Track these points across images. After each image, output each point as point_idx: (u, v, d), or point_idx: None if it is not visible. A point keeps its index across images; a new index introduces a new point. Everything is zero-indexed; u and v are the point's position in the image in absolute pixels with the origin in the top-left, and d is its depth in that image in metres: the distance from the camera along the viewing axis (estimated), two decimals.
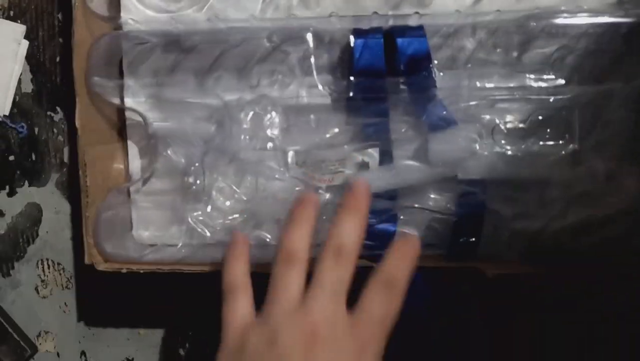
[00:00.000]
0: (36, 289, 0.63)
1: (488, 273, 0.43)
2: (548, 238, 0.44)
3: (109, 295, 0.61)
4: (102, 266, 0.47)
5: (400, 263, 0.36)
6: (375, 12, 0.44)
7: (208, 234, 0.47)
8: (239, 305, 0.35)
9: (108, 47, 0.46)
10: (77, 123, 0.46)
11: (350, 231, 0.36)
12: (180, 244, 0.47)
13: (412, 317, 0.40)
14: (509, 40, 0.46)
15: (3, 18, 0.59)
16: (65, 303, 0.63)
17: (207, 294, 0.51)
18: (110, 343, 0.63)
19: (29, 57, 0.60)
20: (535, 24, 0.44)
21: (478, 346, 0.52)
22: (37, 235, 0.62)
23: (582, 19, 0.44)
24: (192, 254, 0.47)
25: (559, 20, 0.43)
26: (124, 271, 0.46)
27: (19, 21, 0.59)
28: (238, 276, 0.37)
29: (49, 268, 0.63)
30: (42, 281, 0.63)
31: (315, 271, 0.35)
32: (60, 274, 0.63)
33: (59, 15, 0.59)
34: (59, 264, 0.63)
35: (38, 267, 0.63)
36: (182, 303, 0.59)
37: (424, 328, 0.49)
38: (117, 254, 0.47)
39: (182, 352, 0.61)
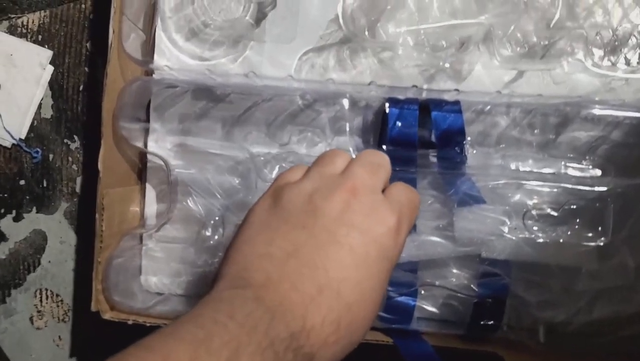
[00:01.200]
0: (31, 319, 0.61)
1: (505, 358, 0.42)
2: (572, 330, 0.43)
3: (106, 334, 0.59)
4: (108, 315, 0.45)
5: None
6: (415, 86, 0.44)
7: None
8: (295, 171, 0.35)
9: (138, 92, 0.45)
10: (100, 166, 0.45)
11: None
12: (190, 296, 0.46)
13: None
14: (544, 121, 0.45)
15: (31, 41, 0.59)
16: (59, 337, 0.61)
17: None
18: None
19: (52, 83, 0.59)
20: (570, 109, 0.44)
21: None
22: (39, 263, 0.61)
23: (618, 111, 0.43)
24: None
25: (595, 111, 0.43)
26: (130, 323, 0.45)
27: (46, 46, 0.59)
28: (302, 165, 0.36)
29: (47, 298, 0.61)
30: (39, 311, 0.61)
31: (356, 156, 0.35)
32: (58, 306, 0.61)
33: (88, 45, 0.59)
34: (57, 295, 0.61)
35: (36, 296, 0.61)
36: None
37: None
38: (124, 303, 0.46)
39: None
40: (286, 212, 0.31)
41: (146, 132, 0.48)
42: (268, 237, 0.31)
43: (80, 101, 0.59)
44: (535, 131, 0.45)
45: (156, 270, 0.48)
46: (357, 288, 0.29)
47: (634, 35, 0.45)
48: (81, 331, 0.61)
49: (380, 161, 0.35)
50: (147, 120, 0.48)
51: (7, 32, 0.59)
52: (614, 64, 0.45)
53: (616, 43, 0.46)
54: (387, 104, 0.44)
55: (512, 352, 0.43)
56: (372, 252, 0.30)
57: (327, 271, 0.29)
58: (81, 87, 0.59)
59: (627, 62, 0.46)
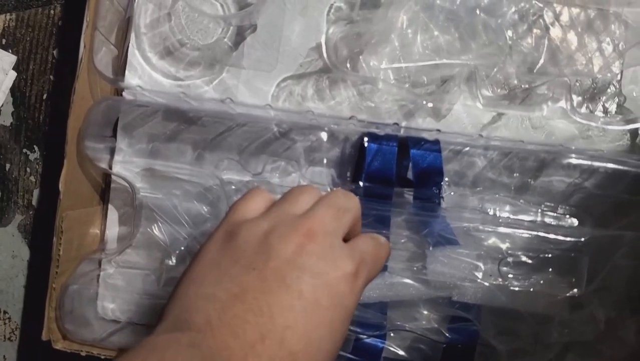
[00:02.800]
0: None
1: None
2: None
3: (54, 356, 0.56)
4: (59, 345, 0.43)
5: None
6: (396, 124, 0.43)
7: None
8: (253, 201, 0.33)
9: (106, 111, 0.44)
10: (61, 187, 0.43)
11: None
12: (149, 325, 0.44)
13: None
14: (522, 165, 0.45)
15: None
16: (4, 357, 0.58)
17: None
18: None
19: (14, 89, 0.56)
20: (546, 155, 0.44)
21: None
22: None
23: (596, 161, 0.43)
24: None
25: (572, 160, 0.43)
26: (83, 354, 0.42)
27: (10, 51, 0.56)
28: (261, 191, 0.34)
29: None
30: None
31: (323, 197, 0.34)
32: (5, 324, 0.58)
33: (55, 52, 0.56)
34: (5, 313, 0.58)
35: None
36: None
37: None
38: (77, 332, 0.43)
39: None
40: (239, 251, 0.30)
41: (112, 151, 0.46)
42: (216, 277, 0.29)
43: (43, 110, 0.57)
44: (514, 175, 0.44)
45: (114, 297, 0.46)
46: (304, 337, 0.28)
47: (613, 85, 0.46)
48: (28, 352, 0.58)
49: (348, 204, 0.33)
50: (114, 138, 0.46)
51: None
52: (592, 112, 0.45)
53: (595, 91, 0.46)
54: (365, 139, 0.43)
55: None
56: (323, 298, 0.29)
57: (273, 318, 0.27)
58: (45, 96, 0.57)
59: (605, 111, 0.46)
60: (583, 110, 0.46)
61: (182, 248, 0.43)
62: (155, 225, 0.44)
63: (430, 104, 0.44)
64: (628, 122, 0.44)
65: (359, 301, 0.31)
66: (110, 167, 0.45)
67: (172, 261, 0.43)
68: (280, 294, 0.28)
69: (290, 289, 0.28)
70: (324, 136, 0.43)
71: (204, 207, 0.44)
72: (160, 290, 0.44)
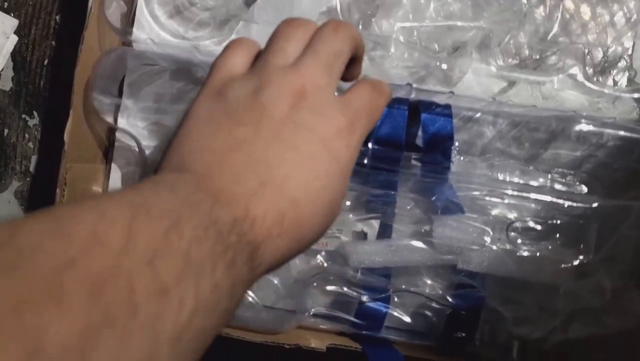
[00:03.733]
0: None
1: None
2: (546, 349, 0.42)
3: None
4: None
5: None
6: (409, 84, 0.42)
7: None
8: (235, 55, 0.32)
9: (115, 63, 0.43)
10: (66, 137, 0.42)
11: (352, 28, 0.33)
12: None
13: None
14: (531, 136, 0.45)
15: None
16: None
17: None
18: None
19: (15, 54, 0.56)
20: (555, 124, 0.43)
21: None
22: None
23: (608, 129, 0.43)
24: None
25: (584, 127, 0.43)
26: None
27: (12, 14, 0.55)
28: (241, 41, 0.32)
29: None
30: None
31: (312, 40, 0.31)
32: None
33: (57, 17, 0.55)
34: None
35: None
36: None
37: None
38: None
39: None
40: (231, 108, 0.29)
41: (117, 108, 0.45)
42: (211, 131, 0.28)
43: (43, 76, 0.56)
44: (524, 145, 0.44)
45: None
46: (303, 186, 0.27)
47: (624, 58, 0.45)
48: None
49: (341, 47, 0.31)
50: (120, 96, 0.45)
51: None
52: (602, 84, 0.45)
53: (606, 65, 0.46)
54: None
55: None
56: (318, 152, 0.28)
57: (270, 168, 0.27)
58: (46, 62, 0.56)
59: (615, 84, 0.46)
60: (594, 82, 0.45)
61: None
62: None
63: (444, 65, 0.44)
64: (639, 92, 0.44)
65: (356, 156, 0.30)
66: (116, 123, 0.44)
67: None
68: (276, 148, 0.28)
69: (285, 143, 0.28)
70: None
71: None
72: None
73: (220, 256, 0.23)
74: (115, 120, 0.45)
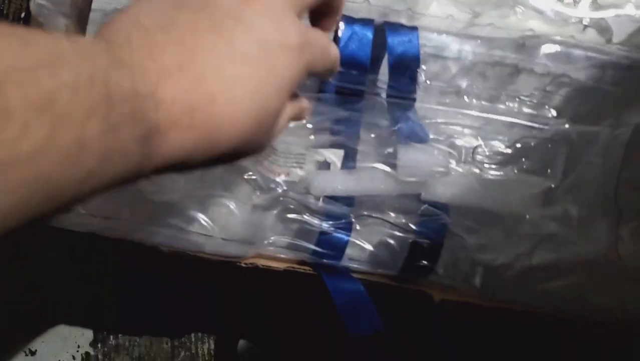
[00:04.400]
0: None
1: (435, 297, 0.40)
2: (510, 276, 0.41)
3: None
4: None
5: None
6: (367, 1, 0.42)
7: (142, 208, 0.42)
8: None
9: None
10: None
11: None
12: (111, 213, 0.43)
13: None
14: (500, 63, 0.44)
15: None
16: None
17: None
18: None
19: None
20: (530, 49, 0.42)
21: None
22: None
23: (575, 51, 0.42)
24: (117, 226, 0.42)
25: (553, 48, 0.41)
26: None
27: None
28: None
29: None
30: None
31: None
32: None
33: None
34: None
35: None
36: None
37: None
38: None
39: None
40: None
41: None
42: (147, 9, 0.27)
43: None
44: (487, 74, 0.43)
45: None
46: (226, 83, 0.25)
47: None
48: None
49: None
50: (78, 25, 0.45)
51: None
52: (566, 10, 0.44)
53: None
54: (339, 22, 0.41)
55: (443, 293, 0.40)
56: (255, 55, 0.26)
57: (194, 53, 0.25)
58: (23, 15, 0.57)
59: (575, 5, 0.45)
60: (558, 7, 0.44)
61: None
62: None
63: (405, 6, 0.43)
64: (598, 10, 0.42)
65: (297, 81, 0.28)
66: None
67: None
68: (208, 36, 0.26)
69: (220, 34, 0.26)
70: None
71: None
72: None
73: (99, 115, 0.21)
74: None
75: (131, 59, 0.23)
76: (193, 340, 0.57)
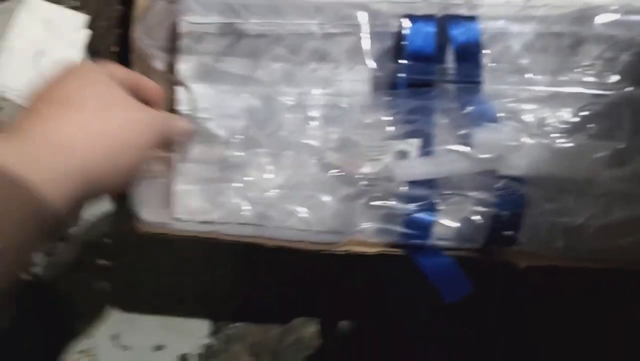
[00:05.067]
0: None
1: (520, 265, 0.43)
2: (589, 235, 0.43)
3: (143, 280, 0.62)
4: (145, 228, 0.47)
5: None
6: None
7: (245, 207, 0.47)
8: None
9: (162, 13, 0.47)
10: None
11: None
12: (215, 216, 0.48)
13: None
14: (558, 42, 0.46)
15: (68, 7, 0.62)
16: None
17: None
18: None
19: (88, 45, 0.62)
20: (587, 20, 0.44)
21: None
22: None
23: (633, 18, 0.43)
24: (228, 228, 0.47)
25: (611, 17, 0.43)
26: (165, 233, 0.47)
27: (82, 11, 0.62)
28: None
29: None
30: None
31: None
32: None
33: (120, 7, 0.61)
34: None
35: None
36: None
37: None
38: (151, 222, 0.48)
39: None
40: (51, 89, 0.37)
41: (170, 64, 0.50)
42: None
43: (114, 61, 0.62)
44: (549, 46, 0.45)
45: (184, 195, 0.50)
46: (82, 132, 0.35)
47: None
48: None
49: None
50: (172, 50, 0.50)
51: (46, 0, 0.62)
52: None
53: None
54: (403, 21, 0.45)
55: (528, 260, 0.43)
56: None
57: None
58: (114, 49, 0.62)
59: None
60: None
61: (239, 137, 0.47)
62: (214, 121, 0.48)
63: None
64: None
65: (149, 142, 0.38)
66: (171, 72, 0.49)
67: (232, 151, 0.47)
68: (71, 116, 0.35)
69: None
70: (362, 19, 0.45)
71: (256, 100, 0.48)
72: (224, 179, 0.48)
73: None
74: (171, 71, 0.50)
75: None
76: (298, 324, 0.61)
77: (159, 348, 0.63)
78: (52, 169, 0.32)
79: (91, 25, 0.62)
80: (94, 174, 0.34)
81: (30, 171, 0.31)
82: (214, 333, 0.62)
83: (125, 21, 0.61)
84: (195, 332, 0.62)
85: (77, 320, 0.63)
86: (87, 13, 0.62)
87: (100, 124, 0.35)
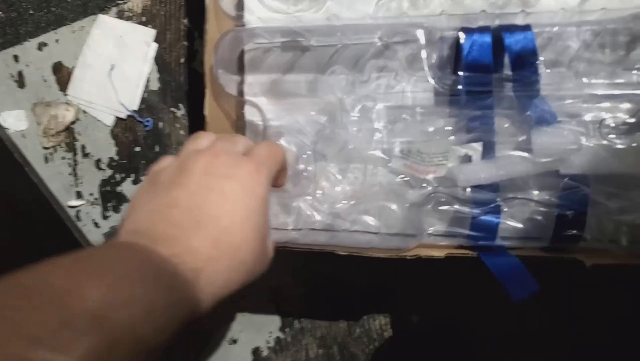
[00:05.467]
0: None
1: (586, 263, 0.44)
2: None
3: None
4: None
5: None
6: (484, 10, 0.46)
7: (317, 218, 0.50)
8: (163, 161, 0.43)
9: (232, 43, 0.50)
10: (206, 112, 0.50)
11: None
12: (290, 227, 0.50)
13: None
14: (615, 39, 0.46)
15: (137, 23, 0.65)
16: None
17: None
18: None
19: (157, 58, 0.66)
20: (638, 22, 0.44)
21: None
22: None
23: None
24: (302, 237, 0.50)
25: None
26: None
27: (150, 25, 0.65)
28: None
29: None
30: None
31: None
32: None
33: (185, 21, 0.65)
34: None
35: None
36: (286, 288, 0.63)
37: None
38: None
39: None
40: (163, 184, 0.39)
41: (240, 84, 0.53)
42: (149, 199, 0.38)
43: (182, 72, 0.66)
44: (605, 50, 0.46)
45: None
46: (231, 217, 0.37)
47: None
48: None
49: (237, 139, 0.43)
50: (241, 73, 0.53)
51: (116, 17, 0.66)
52: None
53: None
54: (460, 33, 0.47)
55: (594, 258, 0.44)
56: (238, 192, 0.38)
57: (202, 209, 0.36)
58: (182, 60, 0.65)
59: None
60: None
61: (309, 153, 0.49)
62: (284, 139, 0.50)
63: None
64: None
65: (268, 190, 0.40)
66: (242, 97, 0.52)
67: (302, 166, 0.49)
68: (205, 194, 0.37)
69: (211, 189, 0.37)
70: (420, 34, 0.47)
71: (322, 117, 0.50)
72: (296, 193, 0.50)
73: (152, 281, 0.31)
74: (240, 94, 0.53)
75: (162, 234, 0.36)
76: (365, 317, 0.64)
77: (234, 341, 0.66)
78: (206, 279, 0.35)
79: (159, 39, 0.65)
80: (232, 281, 0.37)
81: (192, 281, 0.34)
82: (284, 327, 0.65)
83: (190, 33, 0.64)
84: (266, 327, 0.65)
85: None
86: (155, 27, 0.65)
87: (239, 240, 0.37)
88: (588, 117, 0.46)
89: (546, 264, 0.46)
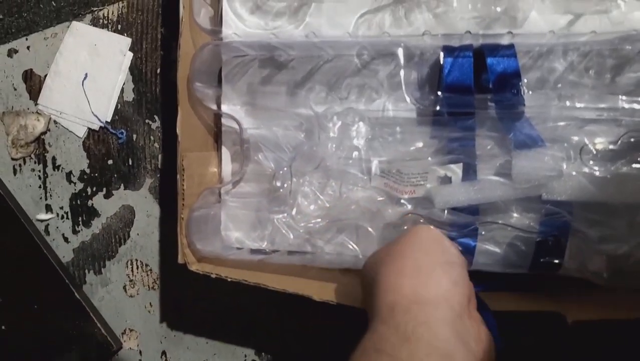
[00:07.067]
0: (124, 288, 0.67)
1: (569, 318, 0.43)
2: (635, 262, 0.43)
3: (193, 299, 0.63)
4: (194, 267, 0.49)
5: None
6: (468, 32, 0.45)
7: (291, 236, 0.49)
8: None
9: (209, 56, 0.49)
10: (178, 130, 0.49)
11: None
12: (264, 245, 0.49)
13: None
14: (601, 63, 0.46)
15: (112, 31, 0.64)
16: (150, 303, 0.66)
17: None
18: (190, 346, 0.65)
19: (132, 68, 0.64)
20: (630, 47, 0.44)
21: None
22: (129, 236, 0.66)
23: None
24: (278, 257, 0.49)
25: None
26: (213, 276, 0.48)
27: (125, 34, 0.63)
28: None
29: (137, 268, 0.66)
30: (131, 280, 0.66)
31: None
32: (147, 275, 0.66)
33: (162, 30, 0.63)
34: (147, 265, 0.66)
35: (127, 267, 0.66)
36: (261, 312, 0.61)
37: None
38: (205, 249, 0.49)
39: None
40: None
41: (218, 96, 0.52)
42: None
43: (158, 83, 0.64)
44: (590, 72, 0.45)
45: (235, 223, 0.52)
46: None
47: None
48: (169, 298, 0.66)
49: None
50: (219, 87, 0.52)
51: (90, 24, 0.64)
52: None
53: None
54: (441, 53, 0.45)
55: (575, 310, 0.44)
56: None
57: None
58: (158, 70, 0.63)
59: None
60: None
61: (285, 169, 0.48)
62: (261, 154, 0.49)
63: (504, 13, 0.45)
64: None
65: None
66: (219, 109, 0.51)
67: (279, 183, 0.48)
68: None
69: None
70: (400, 53, 0.46)
71: (301, 134, 0.49)
72: (271, 210, 0.49)
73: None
74: (219, 107, 0.52)
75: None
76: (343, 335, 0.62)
77: None
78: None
79: (134, 48, 0.63)
80: None
81: None
82: (260, 351, 0.63)
83: (167, 43, 0.62)
84: (240, 350, 0.63)
85: None
86: (131, 36, 0.63)
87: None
88: (571, 141, 0.45)
89: (524, 315, 0.45)
